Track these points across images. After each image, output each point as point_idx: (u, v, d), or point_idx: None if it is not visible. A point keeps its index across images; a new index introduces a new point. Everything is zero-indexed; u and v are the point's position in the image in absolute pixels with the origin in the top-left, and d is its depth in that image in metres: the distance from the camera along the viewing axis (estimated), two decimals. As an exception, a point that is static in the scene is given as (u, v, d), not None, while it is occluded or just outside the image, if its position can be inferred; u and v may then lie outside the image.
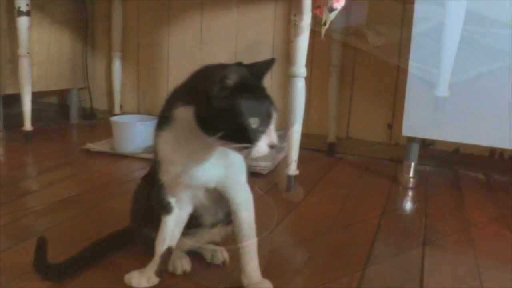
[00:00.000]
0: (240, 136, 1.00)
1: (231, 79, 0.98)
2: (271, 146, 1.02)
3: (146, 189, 1.29)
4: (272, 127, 1.02)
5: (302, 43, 1.84)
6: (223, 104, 0.99)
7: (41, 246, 1.20)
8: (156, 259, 1.20)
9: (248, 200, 1.21)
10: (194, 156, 1.08)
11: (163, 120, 1.11)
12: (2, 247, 1.40)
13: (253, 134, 1.00)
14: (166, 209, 1.18)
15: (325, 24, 1.80)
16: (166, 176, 1.14)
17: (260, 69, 1.08)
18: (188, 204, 1.19)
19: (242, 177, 1.20)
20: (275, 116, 1.02)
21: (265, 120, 1.01)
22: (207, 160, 1.10)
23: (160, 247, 1.19)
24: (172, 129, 1.08)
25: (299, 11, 1.82)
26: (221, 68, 0.99)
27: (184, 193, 1.16)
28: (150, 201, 1.26)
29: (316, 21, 2.01)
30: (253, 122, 0.99)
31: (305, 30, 1.83)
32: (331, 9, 1.78)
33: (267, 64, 1.10)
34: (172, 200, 1.17)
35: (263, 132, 1.01)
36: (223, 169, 1.14)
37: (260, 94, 1.03)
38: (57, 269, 1.23)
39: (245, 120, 0.99)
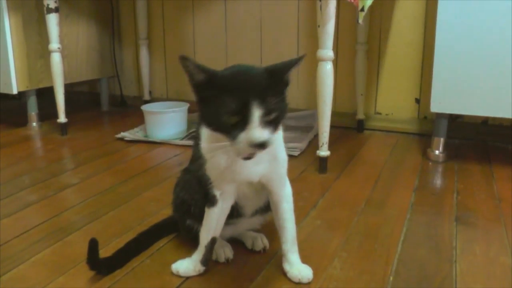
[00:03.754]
0: (221, 130, 1.01)
1: (195, 73, 1.00)
2: (251, 145, 0.98)
3: (188, 182, 1.34)
4: (253, 124, 0.97)
5: (330, 28, 1.86)
6: (206, 100, 1.02)
7: (93, 246, 1.25)
8: (202, 249, 1.25)
9: (290, 193, 1.26)
10: (222, 149, 1.07)
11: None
12: (47, 242, 1.46)
13: (230, 130, 0.99)
14: (211, 201, 1.21)
15: (362, 10, 1.81)
16: (211, 172, 1.17)
17: (280, 66, 1.04)
18: (231, 196, 1.23)
19: (285, 170, 1.23)
20: (256, 114, 0.97)
21: (243, 117, 0.97)
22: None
23: (205, 238, 1.24)
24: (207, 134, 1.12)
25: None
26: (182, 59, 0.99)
27: (229, 186, 1.20)
28: (192, 193, 1.31)
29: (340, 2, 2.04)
30: (228, 118, 0.98)
31: (331, 16, 1.84)
32: None
33: (293, 61, 1.05)
34: (217, 193, 1.20)
35: (241, 129, 0.98)
36: (268, 164, 1.15)
37: (239, 90, 0.98)
38: (107, 263, 1.29)
39: (220, 116, 0.99)
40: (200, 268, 1.27)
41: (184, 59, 0.98)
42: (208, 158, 1.16)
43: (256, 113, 0.97)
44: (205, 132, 1.13)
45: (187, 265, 1.27)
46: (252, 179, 1.17)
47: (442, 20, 2.02)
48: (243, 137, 0.98)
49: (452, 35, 2.01)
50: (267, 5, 2.90)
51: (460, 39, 2.00)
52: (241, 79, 1.02)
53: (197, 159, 1.21)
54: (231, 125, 0.98)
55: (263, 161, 1.14)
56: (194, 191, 1.30)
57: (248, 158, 1.03)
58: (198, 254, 1.27)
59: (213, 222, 1.23)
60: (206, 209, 1.23)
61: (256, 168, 1.14)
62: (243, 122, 0.97)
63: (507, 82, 1.95)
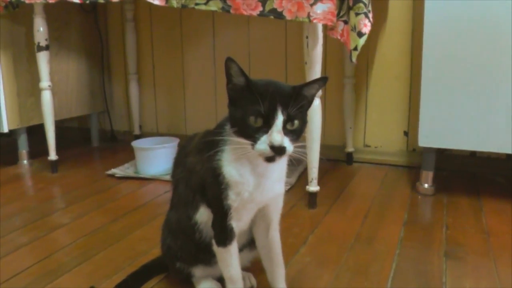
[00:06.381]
0: (243, 133, 1.06)
1: (236, 77, 1.08)
2: (272, 147, 1.03)
3: (171, 226, 1.36)
4: (276, 127, 1.04)
5: (317, 68, 1.88)
6: (237, 103, 1.09)
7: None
8: (239, 285, 1.25)
9: None
10: (260, 168, 1.13)
11: (219, 141, 1.15)
12: (37, 286, 1.46)
13: (253, 132, 1.05)
14: (228, 237, 1.19)
15: (356, 49, 1.84)
16: (235, 197, 1.15)
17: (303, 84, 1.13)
18: (244, 225, 1.24)
19: None
20: (280, 118, 1.04)
21: (267, 120, 1.04)
22: (272, 172, 1.16)
23: (237, 274, 1.24)
24: (231, 148, 1.13)
25: (311, 35, 1.86)
26: (229, 61, 1.09)
27: (249, 213, 1.21)
28: (176, 239, 1.33)
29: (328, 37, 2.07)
30: (253, 121, 1.04)
31: (318, 56, 1.87)
32: (361, 34, 1.82)
33: (315, 80, 1.15)
34: (235, 225, 1.19)
35: (265, 132, 1.04)
36: (281, 184, 1.22)
37: (268, 96, 1.05)
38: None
39: (246, 117, 1.05)
40: None
41: (230, 61, 1.08)
42: (236, 182, 1.14)
43: (280, 118, 1.04)
44: (231, 156, 1.14)
45: None
46: (272, 198, 1.21)
47: (428, 54, 2.05)
48: (265, 139, 1.04)
49: (439, 69, 2.04)
50: (255, 39, 2.93)
51: (447, 73, 2.03)
52: (271, 87, 1.08)
53: (214, 188, 1.17)
54: (256, 127, 1.05)
55: (281, 181, 1.21)
56: (178, 236, 1.32)
57: (270, 160, 1.07)
58: None
59: (234, 258, 1.23)
60: (222, 249, 1.21)
61: (279, 186, 1.21)
62: (267, 126, 1.05)
63: (494, 116, 1.97)
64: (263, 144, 1.04)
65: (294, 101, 1.07)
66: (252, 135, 1.05)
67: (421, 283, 1.43)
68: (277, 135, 1.03)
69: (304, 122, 1.11)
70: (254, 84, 1.08)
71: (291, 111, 1.06)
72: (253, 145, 1.05)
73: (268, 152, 1.04)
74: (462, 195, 2.18)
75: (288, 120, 1.06)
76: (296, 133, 1.08)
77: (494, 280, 1.43)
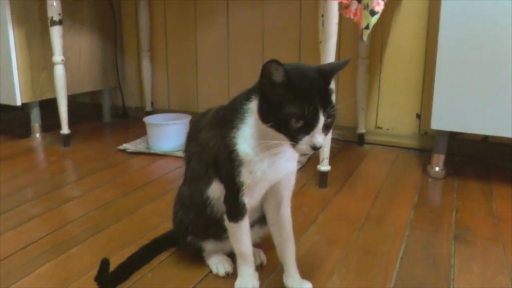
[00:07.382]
0: (282, 131, 1.05)
1: (277, 76, 1.03)
2: (313, 148, 1.04)
3: (183, 200, 1.37)
4: (317, 129, 1.04)
5: (331, 46, 1.87)
6: (272, 99, 1.05)
7: (104, 267, 1.26)
8: (250, 260, 1.28)
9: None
10: (274, 147, 1.11)
11: (234, 119, 1.16)
12: (50, 255, 1.48)
13: (295, 133, 1.04)
14: (240, 212, 1.21)
15: (367, 27, 1.83)
16: (248, 175, 1.16)
17: (330, 68, 1.11)
18: (256, 202, 1.25)
19: None
20: (321, 120, 1.03)
21: (310, 122, 1.03)
22: (285, 151, 1.13)
23: (247, 248, 1.27)
24: (248, 125, 1.14)
25: (327, 13, 1.86)
26: (275, 64, 1.02)
27: (260, 191, 1.21)
28: (187, 212, 1.34)
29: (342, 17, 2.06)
30: (295, 122, 1.03)
31: (333, 33, 1.86)
32: (373, 13, 1.81)
33: (340, 64, 1.15)
34: (247, 201, 1.20)
35: (306, 133, 1.04)
36: (295, 161, 1.22)
37: (309, 97, 1.03)
38: (111, 278, 1.30)
39: (287, 119, 1.03)
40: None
41: (277, 63, 1.01)
42: (249, 161, 1.14)
43: (321, 120, 1.04)
44: (247, 134, 1.14)
45: (251, 281, 1.29)
46: (285, 176, 1.22)
47: (444, 37, 2.03)
48: (307, 140, 1.04)
49: (454, 53, 2.02)
50: (269, 17, 2.92)
51: (462, 57, 2.02)
52: (310, 85, 1.05)
53: (227, 165, 1.18)
54: (297, 128, 1.04)
55: (292, 158, 1.20)
56: (189, 210, 1.33)
57: (304, 154, 1.09)
58: (249, 266, 1.29)
59: (245, 233, 1.25)
60: (233, 224, 1.23)
61: (291, 164, 1.21)
62: (308, 127, 1.04)
63: (508, 101, 1.96)
64: (304, 144, 1.04)
65: (329, 96, 1.07)
66: (293, 135, 1.05)
67: (430, 264, 1.43)
68: (319, 137, 1.04)
69: (336, 113, 1.09)
70: (296, 84, 1.04)
71: (329, 109, 1.05)
72: (293, 145, 1.05)
73: (309, 151, 1.06)
74: (473, 179, 2.18)
75: (326, 119, 1.05)
76: (330, 126, 1.08)
77: (503, 264, 1.44)
